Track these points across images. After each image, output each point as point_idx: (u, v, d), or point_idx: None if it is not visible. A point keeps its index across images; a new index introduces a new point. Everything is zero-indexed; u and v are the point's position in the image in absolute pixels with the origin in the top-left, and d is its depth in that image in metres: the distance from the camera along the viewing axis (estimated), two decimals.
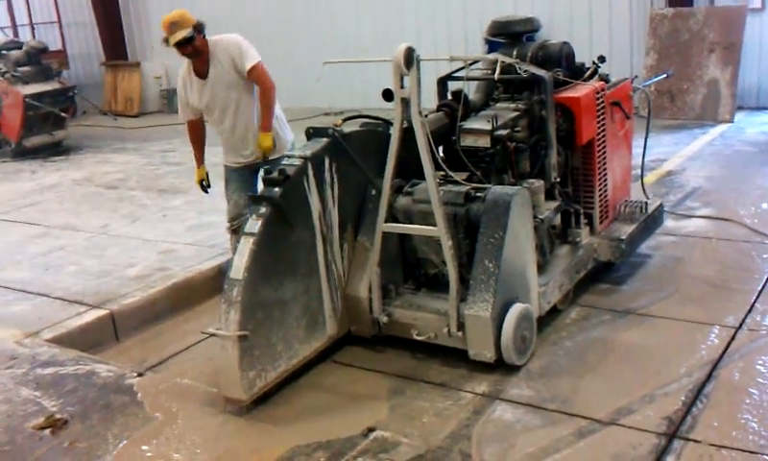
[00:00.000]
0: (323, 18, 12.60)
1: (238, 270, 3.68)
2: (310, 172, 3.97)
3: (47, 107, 11.00)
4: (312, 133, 4.14)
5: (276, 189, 3.81)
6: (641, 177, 5.47)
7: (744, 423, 3.33)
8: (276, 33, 12.83)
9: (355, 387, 4.01)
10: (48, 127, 11.30)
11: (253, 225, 3.74)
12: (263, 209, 3.78)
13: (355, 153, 4.17)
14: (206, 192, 5.67)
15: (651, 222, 5.07)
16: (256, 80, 5.05)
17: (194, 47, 4.99)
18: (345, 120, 4.28)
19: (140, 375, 4.35)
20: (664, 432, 3.32)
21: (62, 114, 11.29)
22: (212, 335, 3.78)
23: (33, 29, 15.84)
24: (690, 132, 8.99)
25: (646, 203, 5.08)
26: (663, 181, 7.07)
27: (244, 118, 5.18)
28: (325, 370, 4.19)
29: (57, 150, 11.32)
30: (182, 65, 5.28)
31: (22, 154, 11.00)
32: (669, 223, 5.68)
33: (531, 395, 3.74)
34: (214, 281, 5.51)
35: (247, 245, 3.71)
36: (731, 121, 9.26)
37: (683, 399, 3.55)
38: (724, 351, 3.93)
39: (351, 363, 4.25)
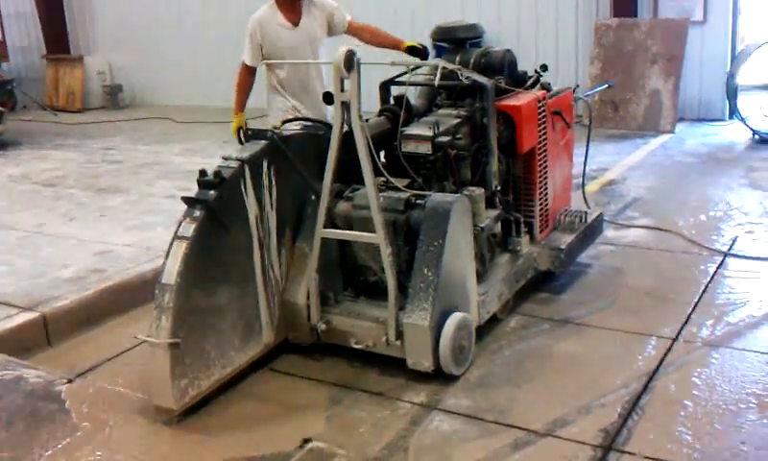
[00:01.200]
0: None
1: (170, 275, 3.57)
2: (247, 175, 3.88)
3: None
4: (250, 135, 4.06)
5: (211, 192, 3.71)
6: (582, 186, 5.50)
7: (678, 435, 3.35)
8: (224, 25, 12.66)
9: (292, 396, 3.93)
10: None
11: (187, 228, 3.64)
12: (197, 213, 3.68)
13: (295, 156, 4.09)
14: (242, 143, 5.49)
15: (590, 232, 5.11)
16: (356, 31, 5.37)
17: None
18: (284, 122, 4.20)
19: (70, 381, 4.20)
20: (600, 444, 3.32)
21: (0, 108, 10.93)
22: (144, 342, 3.66)
23: None
24: (632, 142, 9.12)
25: (586, 212, 5.11)
26: (605, 190, 7.14)
27: (318, 73, 5.27)
28: (262, 378, 4.11)
29: None
30: (262, 9, 5.34)
31: None
32: (609, 233, 5.74)
33: (469, 405, 3.71)
34: (151, 285, 5.33)
35: (180, 249, 3.60)
36: (672, 132, 9.42)
37: (619, 410, 3.56)
38: (660, 363, 3.96)
39: (288, 371, 4.17)
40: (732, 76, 9.01)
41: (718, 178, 7.38)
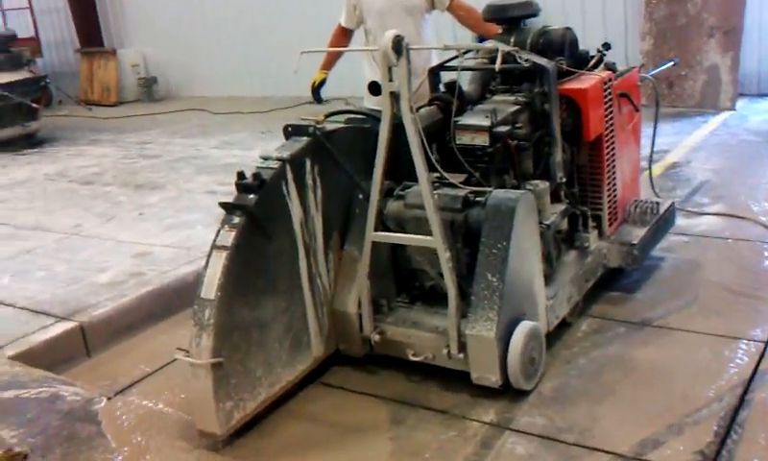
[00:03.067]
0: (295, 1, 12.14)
1: (210, 289, 3.26)
2: (289, 176, 3.54)
3: (18, 97, 10.50)
4: (291, 132, 3.71)
5: (251, 196, 3.38)
6: (650, 173, 5.08)
7: None
8: (258, 15, 12.37)
9: (348, 415, 3.60)
10: (20, 118, 10.79)
11: (226, 237, 3.32)
12: (236, 219, 3.35)
13: (340, 153, 3.75)
14: (318, 101, 5.25)
15: (663, 223, 4.68)
16: (456, 10, 5.02)
17: None
18: (327, 116, 3.85)
19: (109, 399, 3.94)
20: None
21: (34, 105, 10.78)
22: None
23: (3, 15, 15.24)
24: (691, 120, 8.60)
25: (658, 202, 4.69)
26: (669, 174, 6.68)
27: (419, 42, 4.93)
28: (313, 394, 3.79)
29: (30, 142, 10.82)
30: None
31: None
32: (680, 221, 5.28)
33: (544, 424, 3.35)
34: (192, 288, 5.09)
35: (219, 260, 3.29)
36: (732, 109, 8.88)
37: (715, 428, 3.16)
38: (755, 371, 3.54)
39: (342, 386, 3.84)
40: None
41: None
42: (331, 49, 5.17)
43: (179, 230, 6.41)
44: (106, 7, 14.52)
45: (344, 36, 5.29)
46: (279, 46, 11.68)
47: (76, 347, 4.75)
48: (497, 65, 3.34)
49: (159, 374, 4.23)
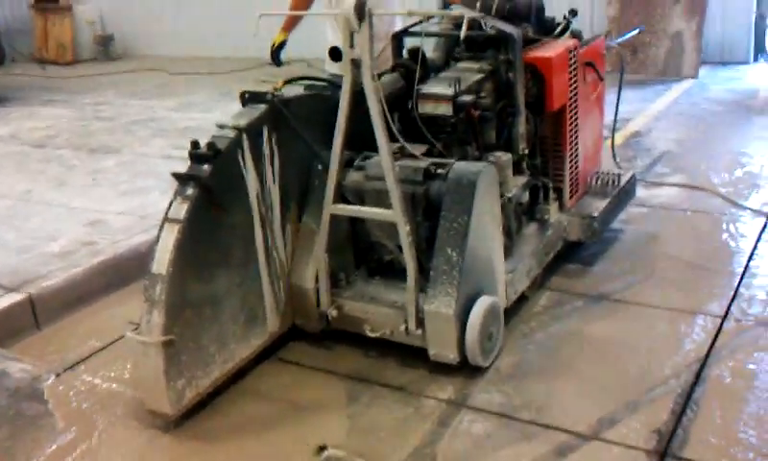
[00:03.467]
0: None
1: (161, 264, 3.14)
2: (246, 145, 3.42)
3: None
4: (248, 99, 3.58)
5: (205, 167, 3.25)
6: (611, 144, 5.04)
7: (742, 437, 2.95)
8: None
9: (303, 392, 3.52)
10: None
11: (179, 209, 3.19)
12: (190, 191, 3.23)
13: (298, 121, 3.63)
14: (278, 64, 5.09)
15: (624, 196, 4.66)
16: None
17: None
18: (286, 82, 3.72)
19: (58, 375, 3.82)
20: (654, 449, 2.92)
21: None
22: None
23: None
24: (653, 88, 8.61)
25: (619, 174, 4.65)
26: (630, 143, 6.68)
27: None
28: (268, 370, 3.70)
29: None
30: None
31: None
32: (640, 192, 5.26)
33: (502, 402, 3.31)
34: (147, 257, 4.95)
35: (171, 234, 3.16)
36: (695, 77, 8.91)
37: (671, 406, 3.15)
38: (711, 347, 3.55)
39: (298, 361, 3.76)
40: (762, 17, 8.44)
41: (749, 128, 6.92)
42: (292, 12, 5.01)
43: (133, 196, 6.24)
44: None
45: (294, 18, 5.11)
46: (241, 5, 11.42)
47: (25, 319, 4.58)
48: (462, 33, 3.23)
49: (110, 349, 4.09)
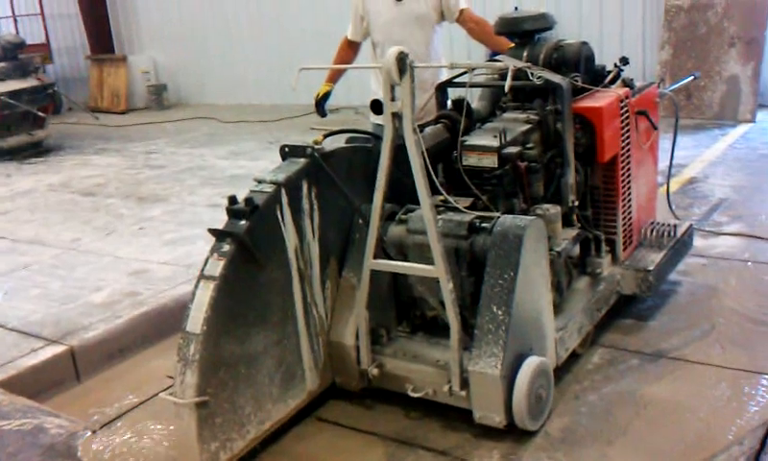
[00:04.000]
0: (308, 11, 11.96)
1: (195, 322, 3.05)
2: (284, 200, 3.34)
3: (24, 105, 10.37)
4: (287, 153, 3.51)
5: (242, 223, 3.17)
6: (667, 193, 4.84)
7: None
8: (270, 23, 12.22)
9: (342, 456, 3.38)
10: (27, 126, 10.68)
11: (215, 266, 3.12)
12: (226, 247, 3.15)
13: (339, 175, 3.54)
14: (322, 115, 5.07)
15: (680, 247, 4.44)
16: (466, 22, 4.84)
17: None
18: (326, 136, 3.64)
19: (94, 432, 3.74)
20: None
21: (41, 114, 10.64)
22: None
23: (15, 21, 15.15)
24: (709, 133, 8.34)
25: (675, 225, 4.45)
26: (686, 189, 6.43)
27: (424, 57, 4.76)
28: (306, 431, 3.57)
29: (36, 151, 10.70)
30: None
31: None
32: (697, 242, 5.04)
33: None
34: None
35: (206, 291, 3.08)
36: (752, 121, 8.62)
37: None
38: None
39: (338, 421, 3.63)
40: None
41: None
42: (333, 66, 5.00)
43: (179, 245, 6.24)
44: (117, 13, 14.41)
45: (350, 49, 5.11)
46: (291, 54, 11.57)
47: (65, 371, 4.57)
48: (507, 85, 3.11)
49: (148, 405, 4.02)
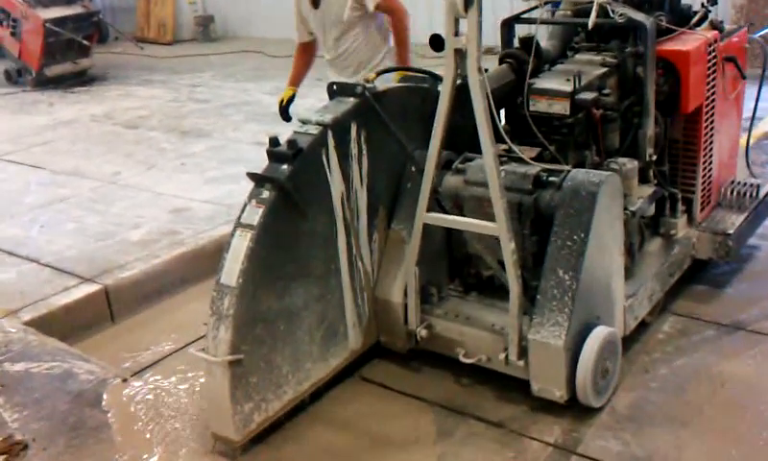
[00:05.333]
0: None
1: (231, 274, 2.79)
2: (331, 143, 3.03)
3: (69, 33, 10.14)
4: (336, 91, 3.19)
5: (284, 167, 2.88)
6: (747, 148, 4.41)
7: None
8: None
9: (388, 421, 3.13)
10: (71, 54, 10.44)
11: (252, 214, 2.84)
12: (266, 194, 2.86)
13: (392, 117, 3.21)
14: (286, 120, 4.70)
15: (763, 209, 4.04)
16: (385, 10, 4.25)
17: None
18: (379, 73, 3.30)
19: (124, 380, 3.54)
20: None
21: (85, 42, 10.41)
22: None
23: None
24: None
25: (758, 185, 4.04)
26: (762, 145, 5.95)
27: (357, 58, 4.36)
28: (349, 391, 3.32)
29: (80, 80, 10.49)
30: None
31: (43, 83, 10.17)
32: None
33: (620, 450, 2.83)
34: None
35: (243, 241, 2.81)
36: None
37: None
38: None
39: (383, 382, 3.37)
40: None
41: None
42: None
43: (221, 183, 6.00)
44: None
45: (305, 51, 4.68)
46: None
47: (99, 312, 4.41)
48: (591, 21, 2.72)
49: (183, 353, 3.81)
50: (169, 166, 6.64)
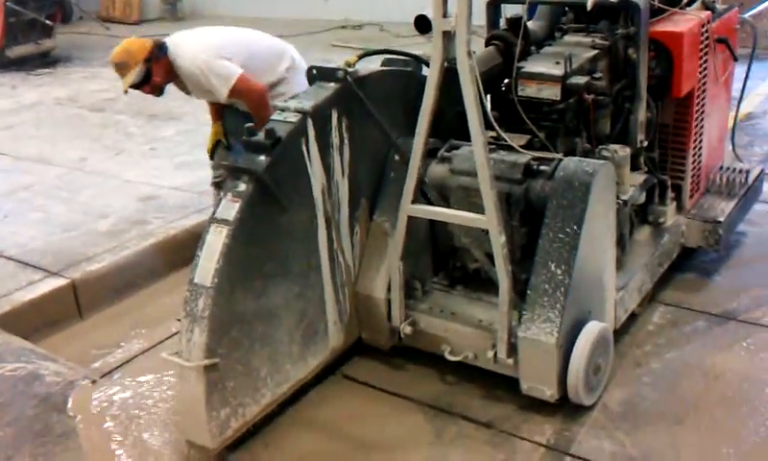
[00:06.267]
0: None
1: (206, 274, 2.62)
2: (311, 132, 2.86)
3: (31, 12, 9.79)
4: (315, 75, 3.01)
5: (262, 158, 2.70)
6: (732, 132, 4.31)
7: None
8: None
9: (372, 422, 2.99)
10: (34, 35, 10.09)
11: (228, 209, 2.66)
12: (242, 186, 2.69)
13: (374, 103, 3.05)
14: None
15: (752, 195, 3.95)
16: (239, 97, 3.98)
17: (152, 85, 4.07)
18: (361, 57, 3.14)
19: (93, 382, 3.36)
20: None
21: (48, 22, 10.06)
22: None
23: None
24: (764, 64, 7.68)
25: (747, 170, 3.94)
26: (743, 126, 5.86)
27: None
28: (332, 390, 3.18)
29: (43, 61, 10.14)
30: None
31: (5, 65, 9.78)
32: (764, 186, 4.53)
33: (614, 451, 2.72)
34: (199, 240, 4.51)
35: (218, 237, 2.63)
36: None
37: None
38: None
39: (366, 381, 3.23)
40: None
41: None
42: None
43: (191, 170, 5.79)
44: None
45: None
46: None
47: (66, 307, 4.20)
48: (590, 1, 2.57)
49: (155, 352, 3.63)
50: (137, 151, 6.41)
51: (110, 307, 4.25)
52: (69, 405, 3.17)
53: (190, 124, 7.03)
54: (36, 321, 4.03)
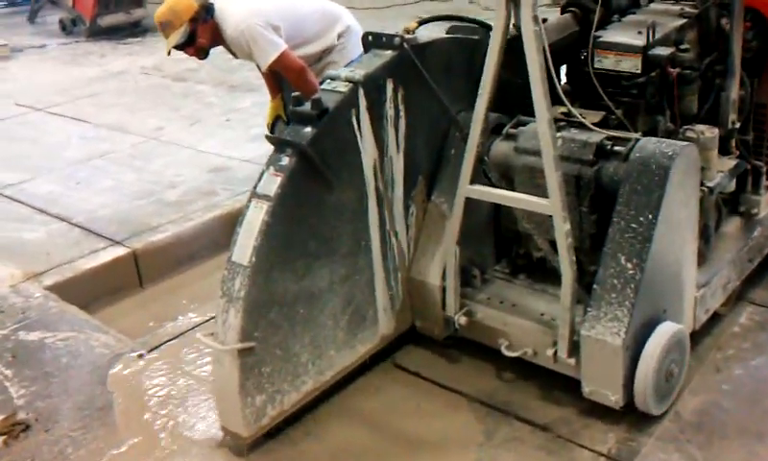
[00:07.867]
0: None
1: (243, 251, 2.47)
2: (362, 103, 2.66)
3: None
4: (371, 42, 2.81)
5: (308, 130, 2.53)
6: None
7: None
8: None
9: (420, 416, 2.79)
10: (125, 4, 10.24)
11: (270, 183, 2.50)
12: (285, 160, 2.52)
13: (434, 74, 2.82)
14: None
15: None
16: (281, 72, 3.98)
17: (197, 47, 4.01)
18: (421, 23, 2.91)
19: (140, 356, 3.29)
20: None
21: None
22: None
23: None
24: None
25: None
26: None
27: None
28: (380, 379, 3.00)
29: (134, 30, 10.30)
30: None
31: (97, 33, 10.00)
32: None
33: None
34: None
35: (258, 214, 2.48)
36: None
37: None
38: None
39: (417, 371, 3.03)
40: None
41: None
42: None
43: (264, 142, 5.61)
44: None
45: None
46: None
47: (127, 277, 4.19)
48: None
49: (205, 327, 3.50)
50: (214, 121, 6.39)
51: (171, 279, 4.23)
52: (109, 379, 3.10)
53: (267, 95, 6.95)
54: (97, 290, 4.03)
